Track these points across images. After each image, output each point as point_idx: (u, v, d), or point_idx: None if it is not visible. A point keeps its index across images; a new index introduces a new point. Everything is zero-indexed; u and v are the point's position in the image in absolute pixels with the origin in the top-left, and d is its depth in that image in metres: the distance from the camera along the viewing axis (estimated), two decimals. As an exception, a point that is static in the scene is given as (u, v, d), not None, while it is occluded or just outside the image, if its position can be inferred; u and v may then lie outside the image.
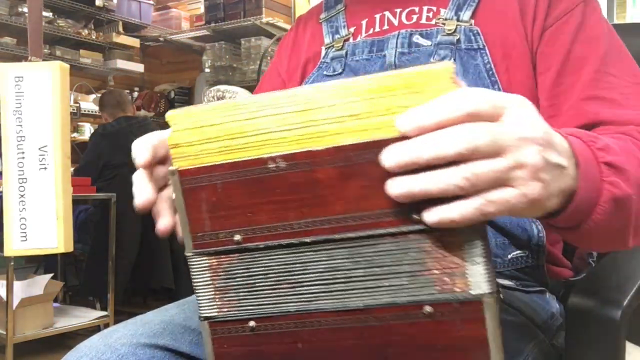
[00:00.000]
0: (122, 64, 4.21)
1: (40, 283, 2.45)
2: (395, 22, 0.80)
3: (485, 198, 0.39)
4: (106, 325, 2.69)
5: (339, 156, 0.43)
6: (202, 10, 4.09)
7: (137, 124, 3.19)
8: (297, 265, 0.46)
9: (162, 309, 0.71)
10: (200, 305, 0.48)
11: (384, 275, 0.44)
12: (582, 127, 0.66)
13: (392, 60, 0.76)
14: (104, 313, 2.71)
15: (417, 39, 0.76)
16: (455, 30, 0.74)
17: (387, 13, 0.81)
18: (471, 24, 0.75)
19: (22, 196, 0.89)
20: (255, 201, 0.45)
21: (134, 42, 4.29)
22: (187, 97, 4.63)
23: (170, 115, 0.47)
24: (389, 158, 0.39)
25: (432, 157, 0.38)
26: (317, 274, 0.45)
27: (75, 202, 2.11)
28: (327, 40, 0.85)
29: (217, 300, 0.47)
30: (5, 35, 3.61)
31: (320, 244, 0.45)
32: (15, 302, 2.29)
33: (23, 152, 0.90)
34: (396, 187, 0.40)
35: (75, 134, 3.95)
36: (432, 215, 0.39)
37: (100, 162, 3.02)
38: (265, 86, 0.93)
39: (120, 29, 4.17)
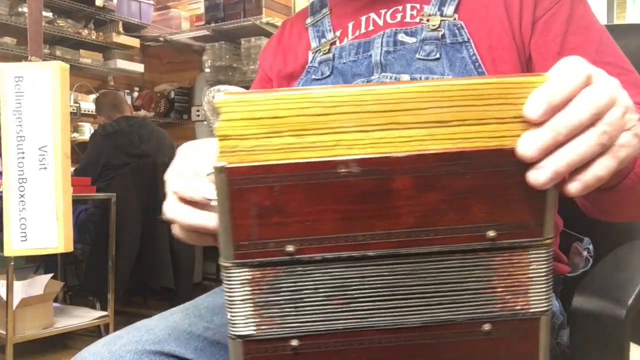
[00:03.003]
0: (122, 64, 4.21)
1: (40, 283, 2.45)
2: (380, 23, 0.81)
3: (618, 144, 0.41)
4: (106, 325, 2.70)
5: (420, 165, 0.39)
6: (202, 10, 4.09)
7: (137, 124, 3.19)
8: (355, 280, 0.41)
9: (166, 314, 0.70)
10: (234, 322, 0.42)
11: (447, 293, 0.42)
12: None
13: (378, 59, 0.76)
14: (104, 313, 2.71)
15: (401, 37, 0.77)
16: (439, 26, 0.75)
17: (372, 14, 0.82)
18: (455, 19, 0.75)
19: (22, 196, 0.89)
20: (317, 208, 0.40)
21: (134, 42, 4.29)
22: (187, 97, 4.63)
23: (223, 101, 0.39)
24: (528, 147, 0.38)
25: (571, 129, 0.39)
26: (375, 290, 0.42)
27: (75, 202, 2.12)
28: (313, 44, 0.85)
29: (255, 317, 0.42)
30: (5, 35, 3.61)
31: (383, 259, 0.41)
32: (15, 302, 2.29)
33: (23, 152, 0.90)
34: (542, 175, 0.39)
35: (75, 134, 3.94)
36: (576, 185, 0.40)
37: (100, 163, 3.02)
38: (253, 89, 0.94)
39: (120, 29, 4.17)
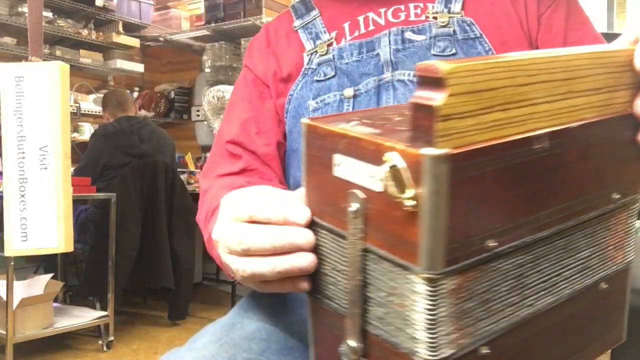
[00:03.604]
0: (122, 64, 4.21)
1: (40, 283, 2.45)
2: (382, 22, 0.80)
3: None
4: (106, 325, 2.70)
5: (585, 134, 0.39)
6: (202, 10, 4.09)
7: (138, 124, 3.19)
8: (531, 264, 0.38)
9: (197, 346, 0.63)
10: (436, 345, 0.34)
11: (584, 260, 0.42)
12: None
13: (388, 57, 0.76)
14: (104, 313, 2.71)
15: (409, 35, 0.77)
16: (448, 23, 0.76)
17: (370, 14, 0.81)
18: (462, 15, 0.76)
19: (22, 196, 0.89)
20: (515, 192, 0.36)
21: (134, 42, 4.29)
22: (187, 97, 4.62)
23: (451, 70, 0.32)
24: None
25: None
26: (542, 271, 0.39)
27: (75, 202, 2.12)
28: (308, 46, 0.83)
29: (455, 332, 0.35)
30: (5, 35, 3.61)
31: (553, 236, 0.39)
32: (15, 302, 2.29)
33: (23, 152, 0.90)
34: None
35: (75, 134, 3.94)
36: None
37: (100, 162, 3.02)
38: (247, 94, 0.87)
39: (120, 29, 4.17)
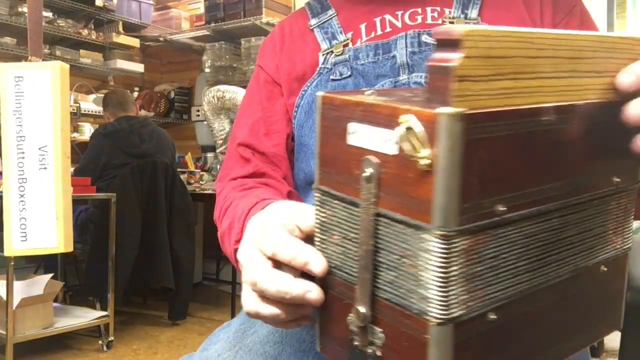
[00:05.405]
0: (122, 64, 4.21)
1: (40, 283, 2.45)
2: (399, 24, 0.81)
3: None
4: (106, 325, 2.70)
5: (588, 113, 0.40)
6: (202, 10, 4.09)
7: (138, 123, 3.19)
8: (536, 237, 0.40)
9: (213, 355, 0.63)
10: (447, 303, 0.35)
11: (585, 240, 0.44)
12: None
13: (405, 60, 0.77)
14: (104, 313, 2.71)
15: (425, 38, 0.77)
16: None
17: (387, 16, 0.82)
18: (478, 22, 0.77)
19: (22, 196, 0.89)
20: (523, 160, 0.37)
21: (134, 42, 4.29)
22: (187, 97, 4.62)
23: (469, 31, 0.34)
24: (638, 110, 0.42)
25: None
26: (547, 245, 0.40)
27: (75, 202, 2.12)
28: (324, 46, 0.84)
29: (464, 293, 0.36)
30: (5, 35, 3.60)
31: (558, 211, 0.40)
32: (15, 302, 2.29)
33: (23, 152, 0.90)
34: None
35: (75, 134, 3.94)
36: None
37: (100, 162, 3.02)
38: (257, 95, 0.88)
39: (120, 29, 4.17)
